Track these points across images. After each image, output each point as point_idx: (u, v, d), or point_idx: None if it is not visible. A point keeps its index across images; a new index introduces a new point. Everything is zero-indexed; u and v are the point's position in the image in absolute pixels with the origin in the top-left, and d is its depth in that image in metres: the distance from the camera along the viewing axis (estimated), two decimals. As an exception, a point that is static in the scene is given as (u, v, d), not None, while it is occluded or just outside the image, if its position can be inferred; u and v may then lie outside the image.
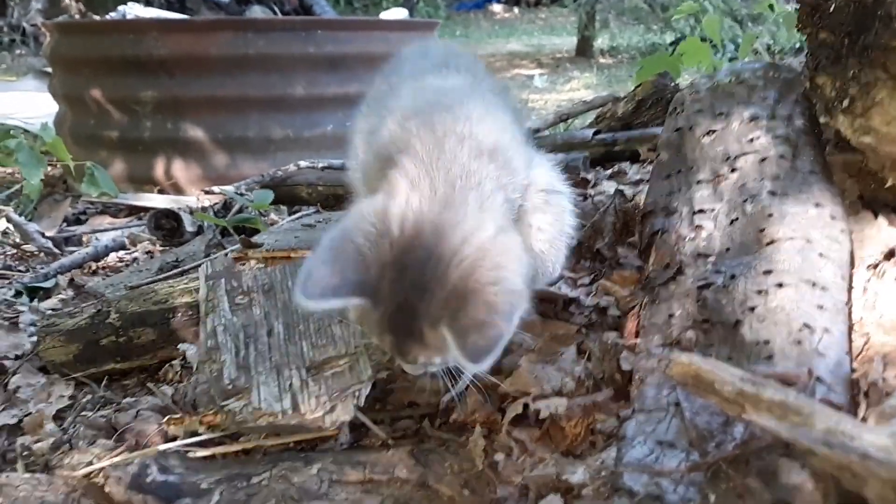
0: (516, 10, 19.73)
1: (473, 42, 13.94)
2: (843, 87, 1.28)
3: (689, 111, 1.52)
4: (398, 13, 4.14)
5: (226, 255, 1.51)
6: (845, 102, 1.27)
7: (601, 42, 12.09)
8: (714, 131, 1.44)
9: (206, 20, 3.80)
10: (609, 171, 2.17)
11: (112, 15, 4.32)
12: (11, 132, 3.19)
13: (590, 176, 2.04)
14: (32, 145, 3.16)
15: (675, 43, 11.10)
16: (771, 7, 3.39)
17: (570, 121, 2.87)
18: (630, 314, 1.42)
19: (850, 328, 1.25)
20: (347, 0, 15.38)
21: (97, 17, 4.14)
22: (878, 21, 1.20)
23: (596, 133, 2.43)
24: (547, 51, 12.56)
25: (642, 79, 3.55)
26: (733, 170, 1.38)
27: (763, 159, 1.35)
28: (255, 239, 1.65)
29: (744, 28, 11.00)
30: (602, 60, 11.10)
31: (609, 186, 1.98)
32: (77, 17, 16.18)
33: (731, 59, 9.19)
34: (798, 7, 1.60)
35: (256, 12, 4.02)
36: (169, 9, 4.18)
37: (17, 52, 11.61)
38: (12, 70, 10.18)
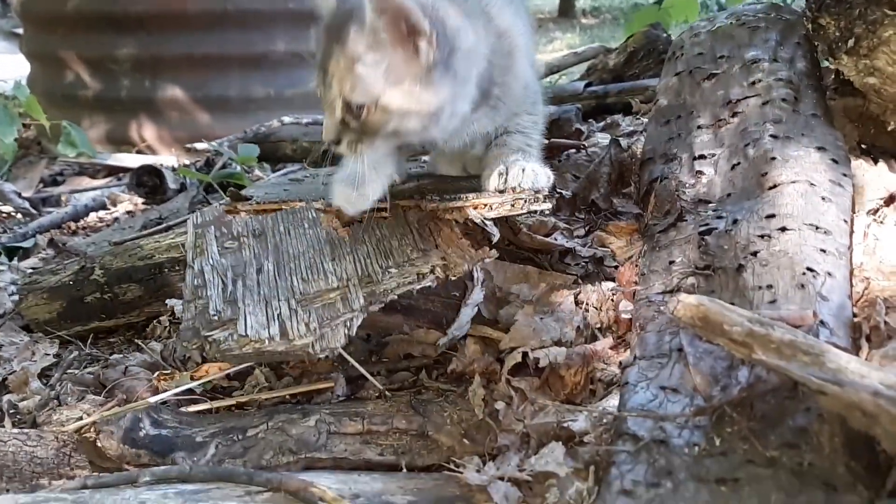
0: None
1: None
2: (847, 27, 1.25)
3: (688, 55, 1.48)
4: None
5: (216, 206, 1.46)
6: (850, 42, 1.24)
7: (583, 2, 11.98)
8: (714, 75, 1.41)
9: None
10: (602, 124, 2.14)
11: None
12: (-16, 91, 3.09)
13: (583, 128, 2.01)
14: (5, 103, 3.07)
15: (658, 2, 11.03)
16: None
17: (559, 74, 2.82)
18: (627, 262, 1.40)
19: (852, 272, 1.24)
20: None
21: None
22: (885, -43, 1.17)
23: (587, 85, 2.39)
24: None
25: (632, 32, 3.51)
26: (734, 114, 1.35)
27: (765, 102, 1.33)
28: (243, 192, 1.60)
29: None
30: (584, 21, 11.01)
31: (602, 138, 1.95)
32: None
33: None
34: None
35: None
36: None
37: (-14, 14, 11.27)
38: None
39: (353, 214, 1.24)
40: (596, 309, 1.37)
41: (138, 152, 3.49)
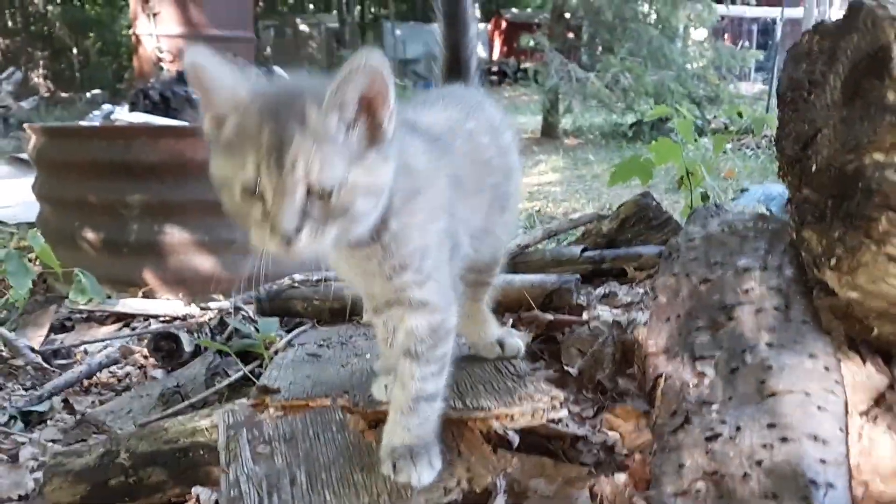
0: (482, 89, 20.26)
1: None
2: (829, 246, 1.38)
3: (684, 258, 1.61)
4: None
5: (245, 404, 1.53)
6: (832, 261, 1.36)
7: (565, 123, 12.47)
8: (709, 280, 1.54)
9: (194, 127, 3.88)
10: (600, 291, 2.26)
11: (94, 114, 4.38)
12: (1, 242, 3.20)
13: (582, 300, 2.13)
14: (20, 254, 3.17)
15: (634, 125, 11.53)
16: (739, 115, 3.57)
17: (556, 237, 2.98)
18: (638, 456, 1.48)
19: (851, 479, 1.32)
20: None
21: (81, 123, 4.19)
22: (860, 192, 1.31)
23: (584, 250, 2.53)
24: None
25: (616, 182, 3.70)
26: (730, 318, 1.47)
27: (758, 310, 1.44)
28: (264, 377, 1.69)
29: (702, 110, 11.49)
30: (567, 142, 11.43)
31: (603, 310, 2.06)
32: (47, 96, 16.28)
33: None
34: (775, 140, 1.72)
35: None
36: (153, 110, 4.26)
37: (-11, 133, 11.57)
38: (-17, 153, 10.14)
39: None
40: (610, 502, 1.43)
41: (144, 295, 3.58)
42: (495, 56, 23.94)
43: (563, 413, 1.33)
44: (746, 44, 17.26)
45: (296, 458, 1.36)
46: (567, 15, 12.69)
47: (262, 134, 1.05)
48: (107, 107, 4.37)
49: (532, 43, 12.11)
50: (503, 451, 1.36)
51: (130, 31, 8.34)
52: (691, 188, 3.78)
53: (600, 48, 12.85)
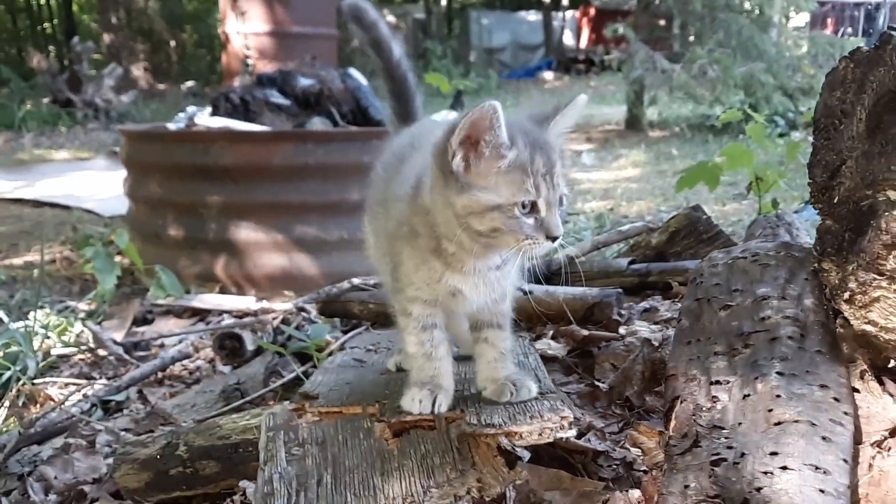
0: (566, 78, 20.12)
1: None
2: (844, 279, 1.40)
3: (707, 283, 1.65)
4: (446, 116, 4.37)
5: (286, 407, 1.66)
6: (846, 294, 1.38)
7: (651, 113, 12.25)
8: (730, 306, 1.57)
9: (269, 132, 4.09)
10: (642, 307, 2.30)
11: (179, 116, 4.64)
12: (90, 240, 3.47)
13: (621, 315, 2.18)
14: (109, 253, 3.42)
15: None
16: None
17: (603, 248, 3.01)
18: (651, 475, 1.53)
19: (856, 505, 1.35)
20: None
21: (167, 126, 4.46)
22: (871, 229, 1.33)
23: (631, 262, 2.57)
24: (596, 122, 12.77)
25: (682, 188, 3.69)
26: (746, 345, 1.50)
27: (773, 339, 1.47)
28: (309, 382, 1.82)
29: (794, 102, 11.09)
30: (651, 134, 11.24)
31: (641, 326, 2.10)
32: (146, 89, 17.09)
33: (780, 135, 9.27)
34: (808, 166, 1.73)
35: (316, 124, 4.29)
36: (233, 113, 4.48)
37: (90, 126, 12.29)
38: (86, 146, 10.80)
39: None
40: (622, 518, 1.50)
41: (221, 290, 3.81)
42: (583, 44, 23.61)
43: (572, 433, 1.40)
44: (849, 30, 16.48)
45: (325, 460, 1.48)
46: (657, 2, 12.41)
47: (535, 162, 1.32)
48: (191, 109, 4.61)
49: (619, 31, 11.90)
50: (519, 464, 1.44)
51: (220, 30, 8.68)
52: (759, 195, 3.74)
53: (692, 38, 12.54)
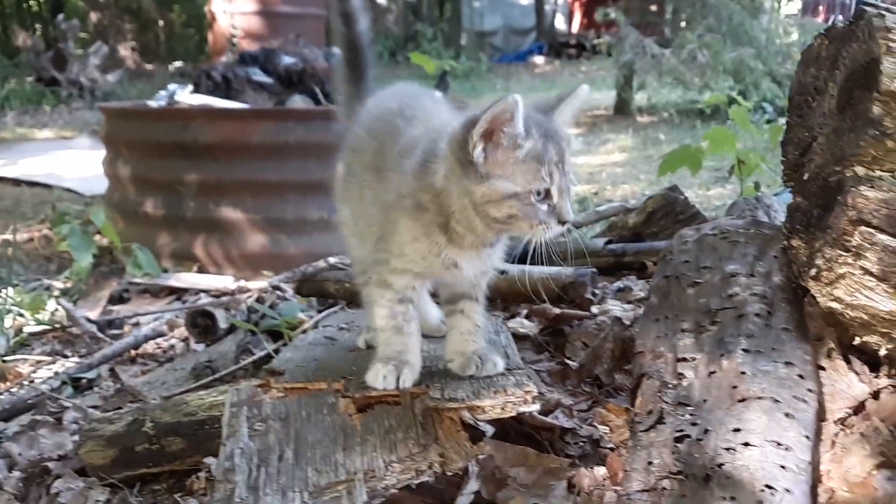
0: (557, 62, 20.03)
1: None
2: (811, 256, 1.39)
3: (677, 261, 1.64)
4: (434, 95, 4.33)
5: (241, 374, 1.65)
6: (813, 271, 1.37)
7: (640, 98, 12.22)
8: (698, 283, 1.56)
9: (249, 110, 4.05)
10: (616, 286, 2.29)
11: (161, 94, 4.59)
12: (65, 218, 3.43)
13: (595, 294, 2.17)
14: (85, 231, 3.39)
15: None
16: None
17: (583, 229, 3.00)
18: (616, 452, 1.53)
19: (818, 481, 1.35)
20: (378, 80, 15.92)
21: (148, 104, 4.41)
22: (838, 205, 1.31)
23: (608, 243, 2.55)
24: (586, 106, 12.68)
25: (665, 172, 3.68)
26: (714, 322, 1.49)
27: (740, 316, 1.46)
28: (278, 359, 1.81)
29: (783, 88, 11.08)
30: (640, 119, 11.22)
31: (614, 305, 2.10)
32: (133, 68, 16.92)
33: (768, 122, 9.26)
34: (781, 144, 1.72)
35: (297, 102, 4.24)
36: (215, 91, 4.43)
37: (74, 105, 12.16)
38: (70, 125, 10.69)
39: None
40: (587, 495, 1.49)
41: (200, 270, 3.78)
42: (574, 29, 23.48)
43: (535, 407, 1.39)
44: (840, 18, 16.44)
45: (287, 435, 1.46)
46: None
47: (548, 151, 1.37)
48: (172, 87, 4.56)
49: (610, 15, 11.84)
50: (482, 439, 1.43)
51: (206, 9, 8.58)
52: (742, 178, 3.73)
53: (684, 24, 12.51)
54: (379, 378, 1.54)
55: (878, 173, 1.29)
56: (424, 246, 1.49)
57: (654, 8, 13.34)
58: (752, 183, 3.88)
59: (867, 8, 1.45)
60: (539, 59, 20.63)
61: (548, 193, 1.37)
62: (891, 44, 1.34)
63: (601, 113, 12.00)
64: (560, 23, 24.93)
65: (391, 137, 1.58)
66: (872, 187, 1.28)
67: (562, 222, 1.39)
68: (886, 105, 1.31)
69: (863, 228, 1.26)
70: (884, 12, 1.41)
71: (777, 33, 12.04)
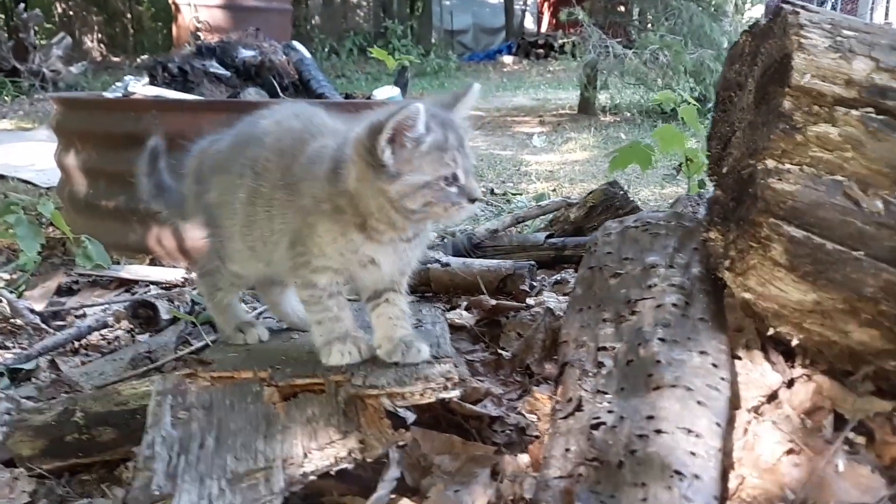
0: (525, 62, 20.11)
1: (481, 94, 14.21)
2: (726, 248, 1.43)
3: (600, 252, 1.66)
4: (389, 91, 4.33)
5: (181, 366, 1.64)
6: (727, 262, 1.41)
7: (603, 98, 12.32)
8: (619, 274, 1.59)
9: (201, 101, 4.01)
10: (554, 279, 2.32)
11: (116, 85, 4.53)
12: (12, 207, 3.37)
13: (533, 286, 2.19)
14: (32, 221, 3.34)
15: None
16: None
17: (524, 223, 3.02)
18: (539, 441, 1.55)
19: (729, 469, 1.38)
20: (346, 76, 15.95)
21: (102, 94, 4.35)
22: (749, 197, 1.35)
23: (549, 237, 2.58)
24: (551, 105, 12.82)
25: (615, 169, 3.72)
26: (633, 312, 1.52)
27: (658, 306, 1.49)
28: (211, 349, 1.80)
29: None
30: (603, 119, 11.32)
31: (549, 297, 2.12)
32: (98, 60, 16.68)
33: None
34: (706, 138, 1.75)
35: (251, 94, 4.22)
36: (171, 83, 4.38)
37: (36, 96, 11.95)
38: (30, 116, 10.51)
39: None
40: (510, 482, 1.51)
41: (153, 262, 3.74)
42: (543, 28, 23.58)
43: (455, 394, 1.41)
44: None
45: (209, 424, 1.46)
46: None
47: (448, 140, 1.47)
48: (128, 78, 4.50)
49: (575, 15, 11.91)
50: (405, 426, 1.44)
51: (170, 1, 8.49)
52: (689, 176, 3.79)
53: (650, 24, 12.62)
54: (343, 356, 1.59)
55: (788, 166, 1.32)
56: (342, 244, 1.56)
57: (621, 9, 13.45)
58: (698, 181, 3.94)
59: (785, 5, 1.49)
60: (508, 59, 20.69)
61: (455, 177, 1.46)
62: (802, 40, 1.38)
63: (566, 112, 12.08)
64: (529, 23, 25.04)
65: (301, 152, 1.64)
66: (781, 180, 1.31)
67: (472, 200, 1.48)
68: (796, 99, 1.35)
69: (771, 220, 1.29)
70: (798, 10, 1.44)
71: (738, 36, 12.19)
